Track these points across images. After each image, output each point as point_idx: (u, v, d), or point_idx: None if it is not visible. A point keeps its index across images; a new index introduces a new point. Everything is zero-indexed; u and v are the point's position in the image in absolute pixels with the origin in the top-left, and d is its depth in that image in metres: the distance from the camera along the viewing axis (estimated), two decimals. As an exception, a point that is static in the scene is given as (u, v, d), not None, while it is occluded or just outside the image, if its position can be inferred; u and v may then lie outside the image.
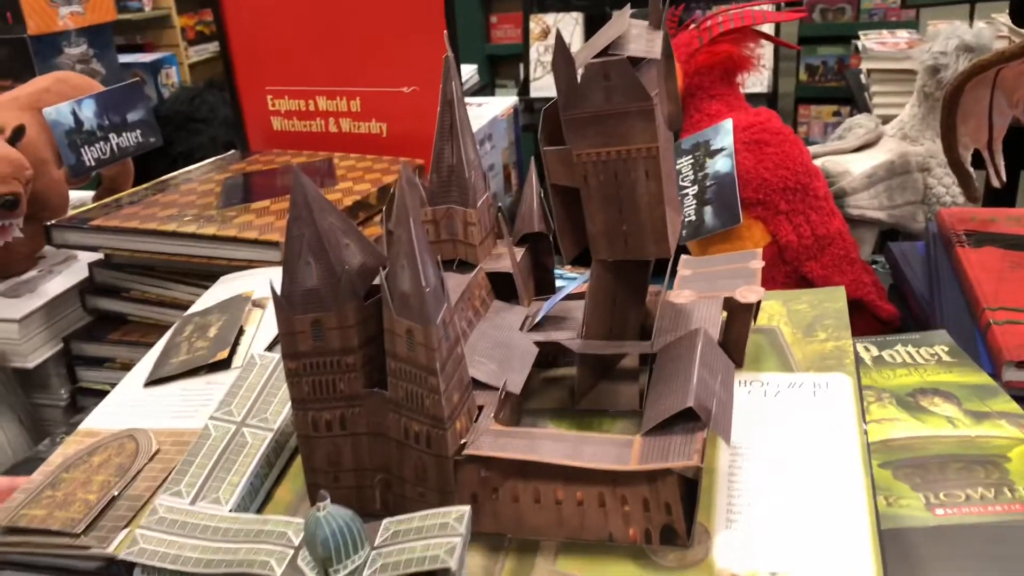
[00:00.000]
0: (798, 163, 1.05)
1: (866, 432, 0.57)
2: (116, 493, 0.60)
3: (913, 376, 0.69)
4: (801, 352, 0.66)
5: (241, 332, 0.75)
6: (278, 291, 0.52)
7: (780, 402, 0.61)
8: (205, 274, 0.89)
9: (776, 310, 0.71)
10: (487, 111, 1.31)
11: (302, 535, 0.51)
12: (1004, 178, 1.01)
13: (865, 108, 2.09)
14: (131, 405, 0.70)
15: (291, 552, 0.51)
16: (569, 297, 0.67)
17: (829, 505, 0.51)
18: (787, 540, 0.50)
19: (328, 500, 0.49)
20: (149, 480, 0.61)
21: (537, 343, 0.62)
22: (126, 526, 0.57)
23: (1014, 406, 0.64)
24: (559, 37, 0.52)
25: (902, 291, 1.05)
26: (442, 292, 0.51)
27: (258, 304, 0.79)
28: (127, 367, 0.83)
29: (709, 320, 0.61)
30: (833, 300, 0.72)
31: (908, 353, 0.73)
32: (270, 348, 0.73)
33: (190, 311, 0.82)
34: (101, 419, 0.70)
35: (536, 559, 0.52)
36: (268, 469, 0.60)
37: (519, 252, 0.68)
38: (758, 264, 0.66)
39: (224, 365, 0.72)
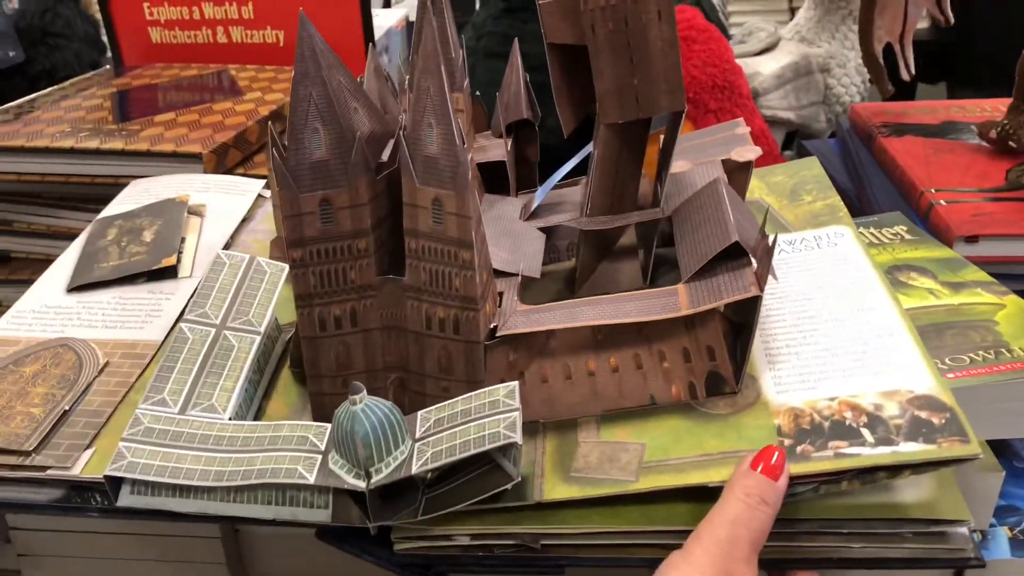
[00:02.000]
0: (724, 60, 1.04)
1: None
2: (67, 407, 0.52)
3: (884, 255, 0.69)
4: (792, 215, 0.65)
5: (182, 241, 0.67)
6: (281, 165, 0.45)
7: (787, 258, 0.59)
8: (105, 198, 0.79)
9: (754, 184, 0.70)
10: (381, 22, 1.23)
11: (326, 438, 0.46)
12: (913, 71, 1.03)
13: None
14: (54, 313, 0.61)
15: (319, 457, 0.45)
16: (557, 186, 0.63)
17: (868, 330, 0.51)
18: (837, 367, 0.48)
19: (364, 391, 0.43)
20: (105, 395, 0.53)
21: (541, 229, 0.58)
22: (89, 445, 0.49)
23: (983, 275, 0.66)
24: None
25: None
26: (466, 153, 0.46)
27: (195, 212, 0.71)
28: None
29: (713, 181, 0.58)
30: (809, 168, 0.71)
31: (872, 234, 0.73)
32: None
33: (105, 214, 0.71)
34: (16, 326, 0.60)
35: (578, 436, 0.48)
36: (259, 376, 0.53)
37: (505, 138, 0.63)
38: (744, 129, 0.64)
39: (169, 273, 0.63)
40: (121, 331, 0.59)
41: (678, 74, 0.52)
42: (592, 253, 0.59)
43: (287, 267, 0.58)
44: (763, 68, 1.21)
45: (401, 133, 0.46)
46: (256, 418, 0.52)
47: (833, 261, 0.58)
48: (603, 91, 0.53)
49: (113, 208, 0.72)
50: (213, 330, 0.53)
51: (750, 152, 0.60)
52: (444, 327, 0.48)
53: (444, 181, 0.45)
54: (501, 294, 0.52)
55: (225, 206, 0.72)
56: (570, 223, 0.57)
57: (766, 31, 1.28)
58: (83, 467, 0.48)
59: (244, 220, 0.71)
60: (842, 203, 0.65)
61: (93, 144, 0.77)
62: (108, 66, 1.08)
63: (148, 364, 0.56)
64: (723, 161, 0.60)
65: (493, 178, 0.62)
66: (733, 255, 0.48)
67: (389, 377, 0.50)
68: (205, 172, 0.76)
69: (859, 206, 0.93)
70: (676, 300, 0.48)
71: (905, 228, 0.75)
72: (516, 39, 0.65)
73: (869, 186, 0.92)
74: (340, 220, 0.47)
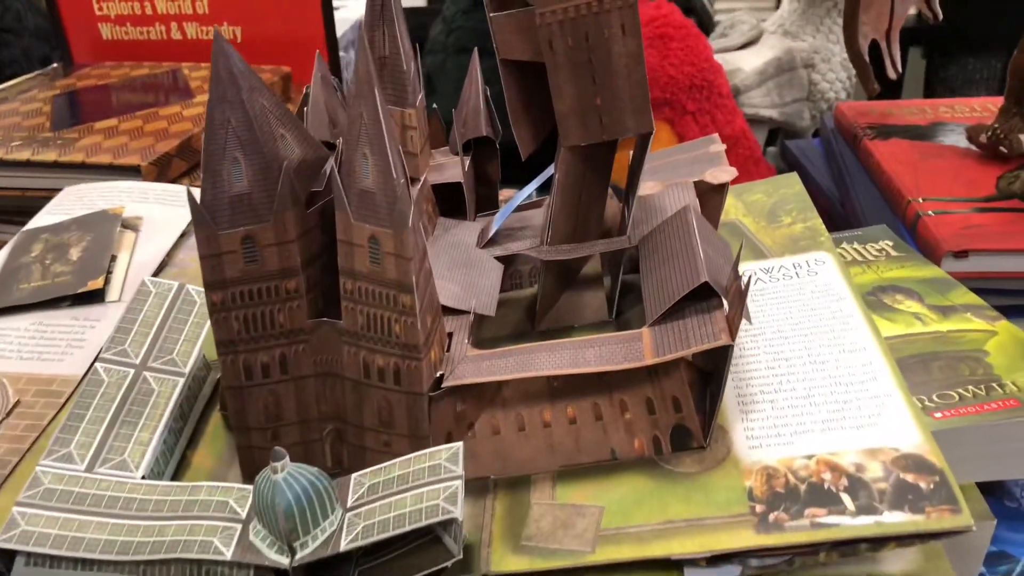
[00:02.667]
0: (703, 59, 0.99)
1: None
2: (-35, 459, 0.47)
3: (868, 274, 0.65)
4: (770, 238, 0.60)
5: (113, 259, 0.62)
6: (197, 199, 0.40)
7: (763, 288, 0.55)
8: (37, 211, 0.74)
9: (730, 203, 0.65)
10: (349, 14, 1.18)
11: (249, 504, 0.41)
12: (900, 69, 0.99)
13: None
14: (-39, 339, 0.56)
15: (238, 527, 0.40)
16: (517, 209, 0.58)
17: (850, 374, 0.46)
18: (816, 418, 0.44)
19: (287, 458, 0.39)
20: (12, 440, 0.49)
21: (498, 258, 0.53)
22: (-11, 504, 0.45)
23: (974, 297, 0.62)
24: None
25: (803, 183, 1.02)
26: (407, 185, 0.41)
27: (129, 225, 0.65)
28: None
29: (685, 204, 0.53)
30: (789, 186, 0.66)
31: (856, 251, 0.69)
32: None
33: (32, 225, 0.66)
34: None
35: (531, 495, 0.44)
36: (182, 424, 0.48)
37: (463, 156, 0.58)
38: (719, 147, 0.59)
39: (95, 297, 0.58)
40: (38, 363, 0.54)
41: (645, 92, 0.47)
42: (554, 282, 0.54)
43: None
44: (745, 64, 1.16)
45: (333, 164, 0.41)
46: (178, 471, 0.47)
47: (813, 292, 0.53)
48: (564, 112, 0.48)
49: (42, 219, 0.67)
50: (132, 371, 0.48)
51: (724, 174, 0.55)
52: (384, 376, 0.44)
53: (381, 218, 0.40)
54: (451, 335, 0.47)
55: (164, 218, 0.67)
56: (530, 252, 0.53)
57: (748, 23, 1.23)
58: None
59: (183, 235, 0.66)
60: (823, 226, 0.60)
61: (24, 155, 0.72)
62: (56, 64, 1.02)
63: (64, 404, 0.51)
64: (696, 183, 0.56)
65: (450, 199, 0.57)
66: (703, 295, 0.44)
67: (325, 428, 0.46)
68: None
69: (843, 213, 0.88)
70: (640, 347, 0.43)
71: (891, 244, 0.71)
72: (476, 49, 0.60)
73: (854, 192, 0.88)
74: (266, 259, 0.42)
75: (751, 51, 1.21)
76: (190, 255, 0.65)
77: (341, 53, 1.07)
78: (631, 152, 0.52)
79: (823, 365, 0.47)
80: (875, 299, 0.62)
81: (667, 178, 0.57)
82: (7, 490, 0.45)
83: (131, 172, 0.70)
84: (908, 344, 0.57)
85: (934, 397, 0.52)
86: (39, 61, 1.06)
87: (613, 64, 0.46)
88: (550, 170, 0.53)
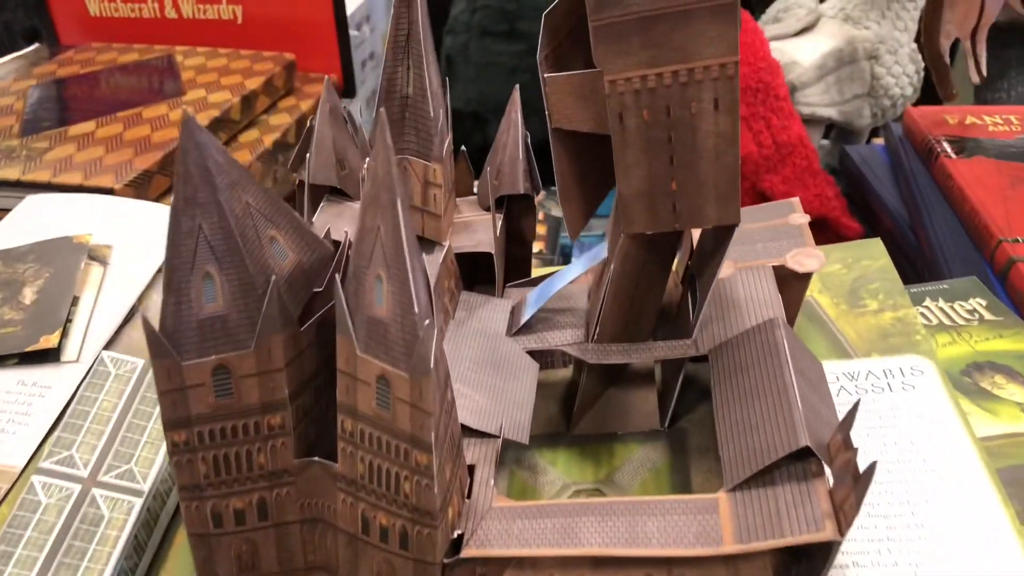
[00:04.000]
0: (759, 56, 0.88)
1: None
2: None
3: (959, 345, 0.55)
4: (852, 329, 0.50)
5: (75, 303, 0.52)
6: (155, 322, 0.31)
7: (845, 400, 0.45)
8: None
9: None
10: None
11: None
12: (984, 72, 0.88)
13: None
14: None
15: None
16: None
17: (972, 546, 0.37)
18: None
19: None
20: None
21: (532, 352, 0.44)
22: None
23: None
24: None
25: (865, 202, 0.91)
26: (431, 310, 0.31)
27: (97, 256, 0.56)
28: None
29: (765, 301, 0.44)
30: (871, 256, 0.56)
31: (942, 311, 0.59)
32: (112, 341, 0.51)
33: None
34: None
35: None
36: (136, 560, 0.40)
37: (496, 216, 0.48)
38: (802, 218, 0.49)
39: (49, 355, 0.49)
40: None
41: (735, 179, 0.37)
42: (596, 380, 0.45)
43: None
44: (802, 57, 1.04)
45: (337, 278, 0.31)
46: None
47: (910, 414, 0.44)
48: (628, 195, 0.38)
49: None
50: (78, 488, 0.39)
51: (811, 260, 0.46)
52: (387, 537, 0.34)
53: (395, 356, 0.31)
54: (472, 468, 0.38)
55: (138, 247, 0.57)
56: (572, 350, 0.43)
57: (805, 7, 1.11)
58: None
59: (160, 270, 0.56)
60: (918, 317, 0.51)
61: None
62: (38, 44, 0.91)
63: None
64: (775, 267, 0.46)
65: (476, 263, 0.48)
66: (799, 454, 0.35)
67: (314, 581, 0.37)
68: (121, 203, 0.61)
69: (915, 243, 0.78)
70: (716, 522, 0.34)
71: (984, 303, 0.61)
72: (517, 87, 0.49)
73: (928, 219, 0.77)
74: (243, 392, 0.33)
75: (807, 39, 1.09)
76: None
77: (353, 32, 0.96)
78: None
79: (938, 534, 0.38)
80: (970, 382, 0.52)
81: (739, 256, 0.47)
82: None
83: (101, 194, 0.60)
84: (1014, 448, 0.47)
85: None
86: (23, 36, 0.95)
87: (698, 144, 0.36)
88: (600, 250, 0.44)
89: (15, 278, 0.53)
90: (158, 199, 0.64)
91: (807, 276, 0.46)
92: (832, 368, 0.48)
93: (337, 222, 0.48)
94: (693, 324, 0.42)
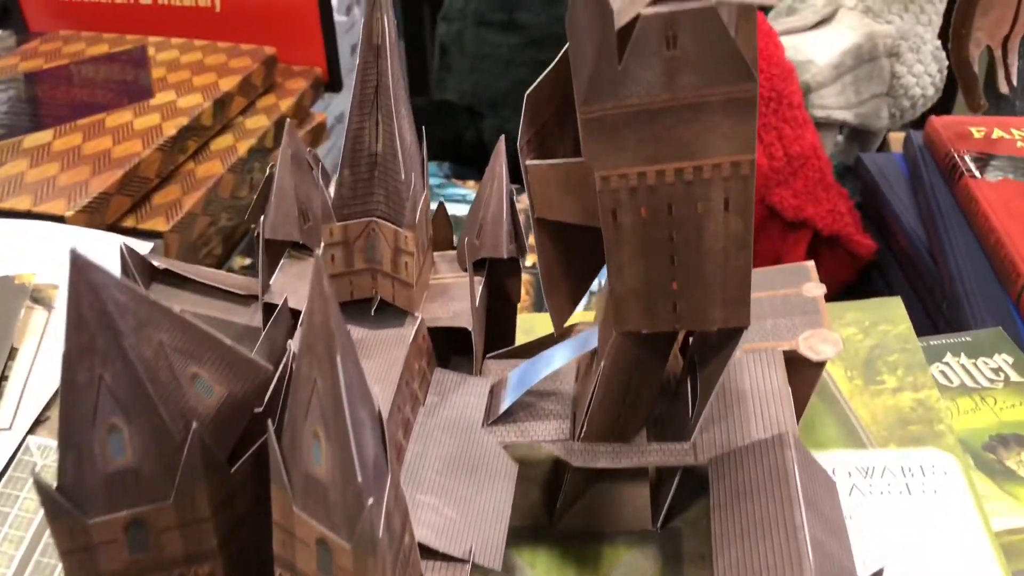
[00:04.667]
0: (773, 63, 0.83)
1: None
2: None
3: (983, 412, 0.50)
4: (868, 411, 0.46)
5: (12, 355, 0.48)
6: (51, 479, 0.26)
7: (860, 504, 0.41)
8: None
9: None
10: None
11: None
12: (1015, 82, 0.82)
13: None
14: None
15: None
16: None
17: None
18: None
19: None
20: None
21: (508, 446, 0.39)
22: None
23: None
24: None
25: (879, 214, 0.86)
26: (384, 460, 0.27)
27: (41, 299, 0.51)
28: None
29: (774, 397, 0.39)
30: (890, 319, 0.51)
31: (964, 369, 0.54)
32: (49, 406, 0.46)
33: None
34: None
35: None
36: None
37: (474, 283, 0.43)
38: (817, 289, 0.44)
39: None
40: None
41: (745, 283, 0.32)
42: (582, 476, 0.40)
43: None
44: (818, 55, 0.98)
45: (271, 425, 0.26)
46: None
47: (932, 526, 0.39)
48: (622, 293, 0.33)
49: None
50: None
51: (826, 346, 0.41)
52: None
53: (336, 523, 0.26)
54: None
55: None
56: (556, 450, 0.38)
57: (824, -1, 1.04)
58: None
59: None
60: (942, 404, 0.46)
61: None
62: (7, 32, 0.85)
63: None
64: (786, 352, 0.41)
65: (452, 335, 0.43)
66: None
67: None
68: (75, 229, 0.56)
69: (933, 267, 0.73)
70: None
71: (1011, 360, 0.56)
72: (502, 138, 0.44)
73: (949, 245, 0.72)
74: (164, 544, 0.28)
75: (824, 33, 1.02)
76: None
77: (341, 17, 0.90)
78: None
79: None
80: (993, 459, 0.48)
81: (747, 334, 0.42)
82: None
83: (52, 222, 0.55)
84: None
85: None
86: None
87: (705, 246, 0.31)
88: (591, 336, 0.39)
89: (-54, 328, 0.48)
90: (115, 222, 0.59)
91: (821, 364, 0.41)
92: (845, 460, 0.43)
93: (297, 284, 0.43)
94: (692, 427, 0.37)
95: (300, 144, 0.43)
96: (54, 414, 0.46)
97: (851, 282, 0.83)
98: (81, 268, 0.23)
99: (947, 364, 0.55)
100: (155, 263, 0.42)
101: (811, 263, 0.46)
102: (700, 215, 0.30)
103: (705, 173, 0.29)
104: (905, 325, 0.50)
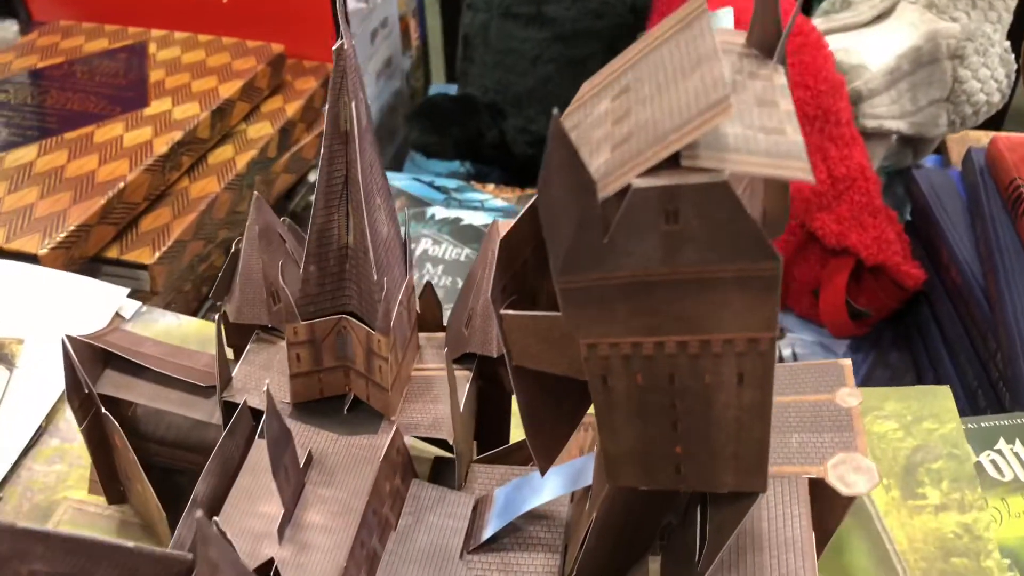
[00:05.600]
0: (821, 77, 0.76)
1: None
2: None
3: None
4: (904, 533, 0.40)
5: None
6: None
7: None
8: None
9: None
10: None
11: None
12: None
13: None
14: None
15: None
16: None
17: None
18: None
19: None
20: None
21: (487, 583, 0.34)
22: None
23: None
24: (557, 125, 0.20)
25: (930, 238, 0.79)
26: None
27: (4, 357, 0.47)
28: None
29: (793, 545, 0.34)
30: (937, 414, 0.45)
31: (1018, 458, 0.48)
32: (3, 484, 0.42)
33: None
34: None
35: None
36: None
37: (461, 376, 0.38)
38: (852, 398, 0.39)
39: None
40: None
41: (762, 452, 0.27)
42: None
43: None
44: (872, 60, 0.90)
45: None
46: None
47: None
48: (616, 453, 0.28)
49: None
50: None
51: (859, 478, 0.35)
52: None
53: None
54: None
55: (55, 339, 0.48)
56: (539, 592, 0.34)
57: (882, -9, 0.96)
58: None
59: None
60: (991, 532, 0.40)
61: None
62: (12, 20, 0.81)
63: None
64: (813, 482, 0.36)
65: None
66: None
67: None
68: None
69: (987, 311, 0.66)
70: None
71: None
72: (495, 222, 0.38)
73: (1007, 291, 0.65)
74: None
75: (881, 33, 0.94)
76: (57, 444, 0.46)
77: (359, 4, 0.84)
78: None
79: None
80: None
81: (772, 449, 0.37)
82: None
83: (28, 259, 0.51)
84: None
85: None
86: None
87: (714, 416, 0.26)
88: (586, 469, 0.34)
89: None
90: (98, 254, 0.55)
91: (851, 500, 0.36)
92: (872, 595, 0.38)
93: (262, 376, 0.38)
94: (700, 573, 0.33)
95: (270, 216, 0.38)
96: (10, 493, 0.42)
97: (896, 309, 0.77)
98: None
99: (999, 452, 0.49)
100: (108, 348, 0.38)
101: (848, 362, 0.41)
102: (708, 386, 0.25)
103: (714, 348, 0.24)
104: (954, 424, 0.44)
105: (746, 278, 0.22)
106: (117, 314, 0.50)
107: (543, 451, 0.31)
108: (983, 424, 0.50)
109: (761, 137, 0.21)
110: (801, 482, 0.36)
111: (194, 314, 0.63)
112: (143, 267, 0.55)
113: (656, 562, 0.35)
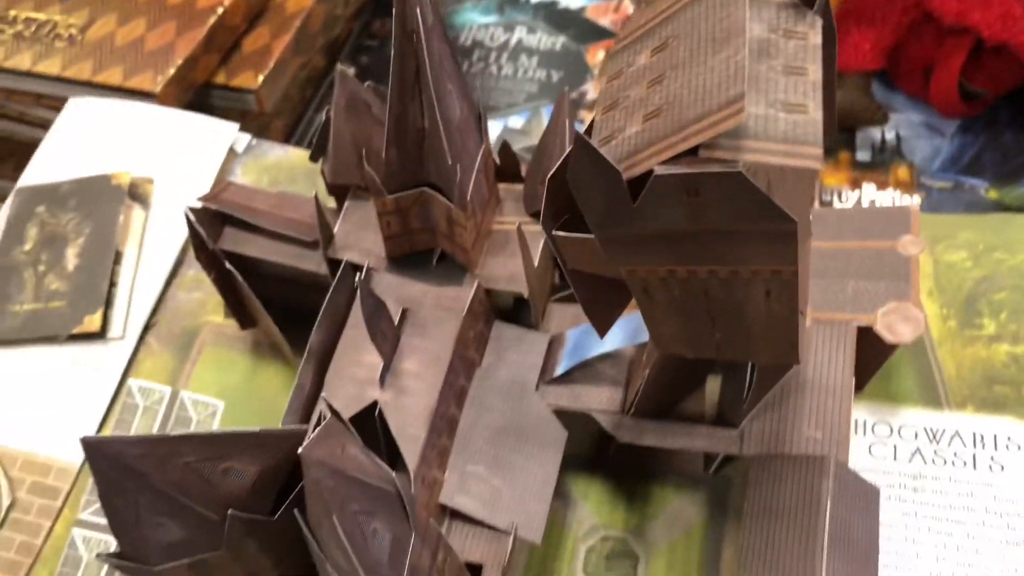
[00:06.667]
0: None
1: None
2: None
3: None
4: (955, 361, 0.43)
5: (117, 259, 0.51)
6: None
7: (920, 475, 0.41)
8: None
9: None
10: None
11: None
12: None
13: None
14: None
15: None
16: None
17: None
18: None
19: None
20: (5, 568, 0.43)
21: (560, 412, 0.40)
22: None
23: None
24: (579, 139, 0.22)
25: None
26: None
27: (138, 195, 0.53)
28: None
29: (833, 390, 0.38)
30: (1009, 246, 0.46)
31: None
32: (156, 311, 0.50)
33: (27, 181, 0.54)
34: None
35: None
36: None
37: (536, 231, 0.41)
38: (915, 246, 0.40)
39: (96, 335, 0.49)
40: (33, 434, 0.47)
41: (793, 338, 0.30)
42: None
43: (221, 405, 0.44)
44: None
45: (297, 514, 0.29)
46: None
47: (988, 510, 0.39)
48: (664, 336, 0.32)
49: (40, 166, 0.55)
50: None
51: (906, 327, 0.38)
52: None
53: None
54: (478, 571, 0.37)
55: (180, 177, 0.53)
56: (603, 419, 0.39)
57: None
58: None
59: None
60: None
61: (24, 63, 0.57)
62: None
63: (60, 509, 0.45)
64: (862, 330, 0.39)
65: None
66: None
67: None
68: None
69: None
70: None
71: None
72: (565, 90, 0.40)
73: None
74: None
75: None
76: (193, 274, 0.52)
77: None
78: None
79: None
80: None
81: (823, 297, 0.40)
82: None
83: (144, 96, 0.55)
84: None
85: None
86: None
87: (746, 319, 0.29)
88: (644, 328, 0.38)
89: (58, 232, 0.51)
90: (207, 83, 0.58)
91: (895, 347, 0.39)
92: (914, 420, 0.42)
93: (360, 233, 0.43)
94: (743, 414, 0.37)
95: (354, 86, 0.41)
96: (162, 319, 0.50)
97: (1015, 88, 0.73)
98: (93, 449, 0.25)
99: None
100: (225, 210, 0.43)
101: (915, 208, 0.42)
102: (739, 300, 0.28)
103: (743, 275, 0.27)
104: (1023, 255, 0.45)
105: (766, 232, 0.24)
106: (231, 149, 0.55)
107: (601, 324, 0.35)
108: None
109: (782, 117, 0.22)
110: (850, 330, 0.39)
111: (299, 118, 0.67)
112: (250, 91, 0.59)
113: (715, 381, 0.39)
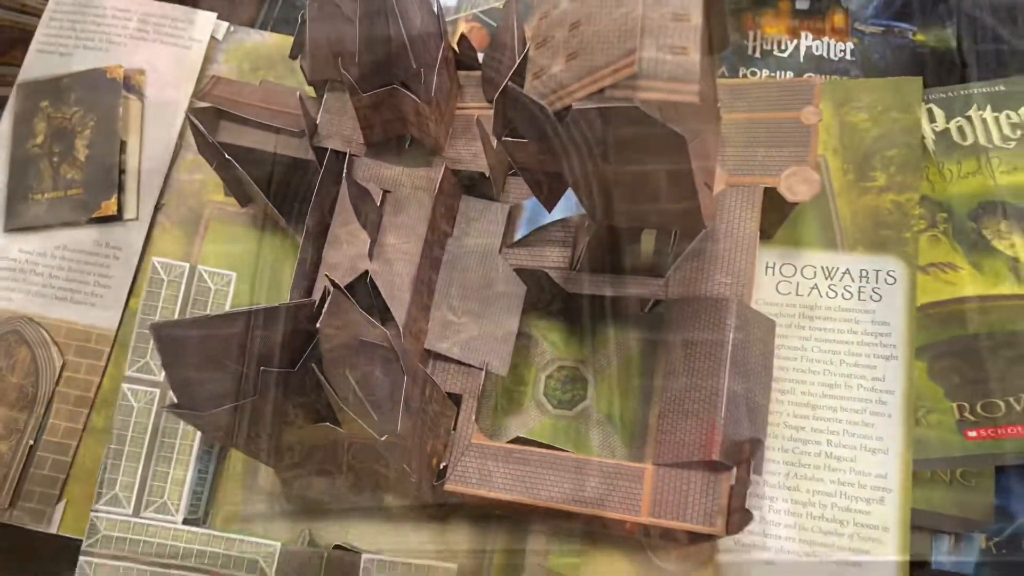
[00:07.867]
0: None
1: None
2: (32, 441, 0.52)
3: (980, 177, 0.54)
4: (850, 210, 0.52)
5: (123, 149, 0.57)
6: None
7: (815, 306, 0.50)
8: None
9: (827, 118, 0.54)
10: None
11: (275, 562, 0.47)
12: None
13: None
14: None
15: (264, 590, 0.47)
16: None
17: (857, 491, 0.46)
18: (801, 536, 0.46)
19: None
20: (67, 418, 0.52)
21: (520, 271, 0.48)
22: (60, 496, 0.51)
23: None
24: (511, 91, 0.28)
25: None
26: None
27: (133, 87, 0.59)
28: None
29: (741, 243, 0.46)
30: (903, 106, 0.53)
31: (983, 123, 0.56)
32: (163, 193, 0.56)
33: (28, 76, 0.59)
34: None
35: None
36: (209, 455, 0.51)
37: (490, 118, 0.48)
38: (814, 116, 0.47)
39: (114, 217, 0.56)
40: (71, 307, 0.54)
41: (693, 208, 0.38)
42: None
43: (234, 275, 0.52)
44: None
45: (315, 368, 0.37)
46: (217, 474, 0.51)
47: (864, 334, 0.48)
48: (596, 203, 0.40)
49: (37, 58, 0.60)
50: (157, 392, 0.50)
51: (803, 187, 0.46)
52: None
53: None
54: (459, 402, 0.46)
55: (168, 66, 0.59)
56: (555, 276, 0.48)
57: None
58: (58, 525, 0.50)
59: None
60: (917, 205, 0.50)
61: None
62: None
63: (106, 367, 0.53)
64: (769, 190, 0.47)
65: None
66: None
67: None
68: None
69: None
70: (639, 492, 0.43)
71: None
72: None
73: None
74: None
75: None
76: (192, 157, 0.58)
77: None
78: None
79: (837, 463, 0.46)
80: (973, 228, 0.53)
81: (736, 163, 0.47)
82: (73, 479, 0.51)
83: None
84: (982, 314, 0.52)
85: (978, 407, 0.50)
86: None
87: (661, 200, 0.37)
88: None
89: (65, 126, 0.57)
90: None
91: (795, 205, 0.47)
92: (814, 260, 0.51)
93: (340, 120, 0.49)
94: (668, 265, 0.46)
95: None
96: (169, 200, 0.56)
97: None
98: (159, 330, 0.33)
99: (967, 118, 0.57)
100: (219, 107, 0.49)
101: (817, 80, 0.49)
102: (653, 186, 0.36)
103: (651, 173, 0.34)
104: (916, 113, 0.52)
105: (659, 143, 0.32)
106: (212, 36, 0.60)
107: (548, 204, 0.43)
108: (962, 92, 0.57)
109: (668, 59, 0.29)
110: (757, 191, 0.47)
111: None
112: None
113: (650, 237, 0.47)
